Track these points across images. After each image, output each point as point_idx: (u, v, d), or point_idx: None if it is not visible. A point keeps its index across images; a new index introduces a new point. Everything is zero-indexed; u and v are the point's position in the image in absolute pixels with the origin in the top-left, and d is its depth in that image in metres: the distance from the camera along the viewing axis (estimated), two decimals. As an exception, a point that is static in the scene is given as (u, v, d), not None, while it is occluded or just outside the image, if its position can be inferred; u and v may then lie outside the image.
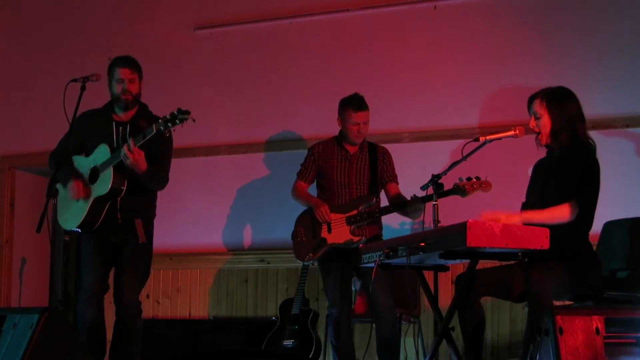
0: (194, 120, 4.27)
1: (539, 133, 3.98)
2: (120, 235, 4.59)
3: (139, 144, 4.34)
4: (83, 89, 4.44)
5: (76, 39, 6.72)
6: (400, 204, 4.80)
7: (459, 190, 4.59)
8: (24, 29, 6.96)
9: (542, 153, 4.12)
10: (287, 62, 6.25)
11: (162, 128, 4.27)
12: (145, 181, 4.52)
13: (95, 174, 4.53)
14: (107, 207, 4.49)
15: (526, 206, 4.01)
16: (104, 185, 4.45)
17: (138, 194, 4.57)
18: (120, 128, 4.59)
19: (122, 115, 4.64)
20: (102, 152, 4.52)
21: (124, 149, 4.32)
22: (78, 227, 4.54)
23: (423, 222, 4.58)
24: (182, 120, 4.25)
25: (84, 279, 4.59)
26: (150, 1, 6.70)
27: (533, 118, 3.98)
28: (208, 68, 6.43)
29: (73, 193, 4.53)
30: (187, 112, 4.26)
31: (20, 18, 6.99)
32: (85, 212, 4.48)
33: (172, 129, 4.29)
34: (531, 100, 4.01)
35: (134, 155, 4.33)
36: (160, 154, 4.57)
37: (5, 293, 6.70)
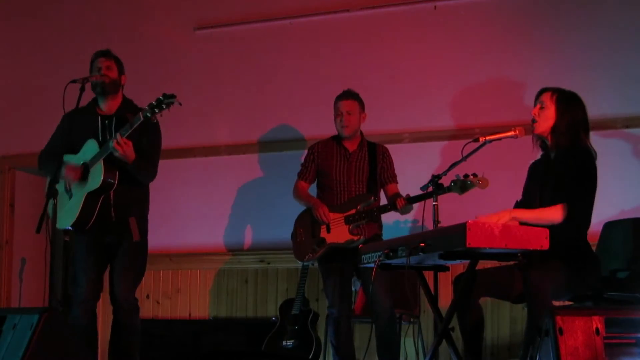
0: (180, 104, 4.24)
1: (534, 123, 3.98)
2: (114, 235, 4.57)
3: (126, 134, 4.33)
4: (82, 89, 4.43)
5: (76, 40, 6.71)
6: (391, 205, 4.80)
7: (456, 186, 4.58)
8: (24, 29, 6.96)
9: (539, 153, 4.12)
10: (287, 62, 6.25)
11: (149, 114, 4.26)
12: (134, 171, 4.50)
13: (85, 169, 4.52)
14: (100, 202, 4.47)
15: (521, 205, 4.01)
16: (95, 179, 4.44)
17: (132, 190, 4.56)
18: (107, 121, 4.59)
19: (106, 108, 4.63)
20: (90, 148, 4.52)
21: (112, 142, 4.32)
22: (72, 225, 4.51)
23: (423, 221, 4.57)
24: (168, 105, 4.24)
25: (77, 282, 4.58)
26: (150, 1, 6.70)
27: (538, 107, 3.97)
28: (208, 68, 6.43)
29: (70, 178, 4.51)
30: (173, 96, 4.24)
31: (20, 18, 6.98)
32: (80, 208, 4.45)
33: (159, 115, 4.27)
34: (542, 91, 4.01)
35: (122, 147, 4.32)
36: (151, 146, 4.55)
37: (5, 293, 6.69)
